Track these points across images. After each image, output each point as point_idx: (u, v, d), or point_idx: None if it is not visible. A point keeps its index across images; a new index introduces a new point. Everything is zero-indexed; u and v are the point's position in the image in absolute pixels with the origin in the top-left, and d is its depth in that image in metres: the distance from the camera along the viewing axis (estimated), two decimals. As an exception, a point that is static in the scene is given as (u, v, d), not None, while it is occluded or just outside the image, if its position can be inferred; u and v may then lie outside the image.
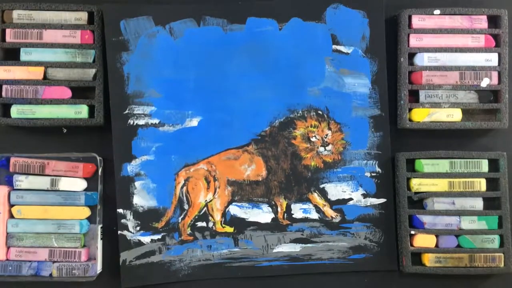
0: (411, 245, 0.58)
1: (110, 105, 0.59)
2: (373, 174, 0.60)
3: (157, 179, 0.59)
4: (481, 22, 0.59)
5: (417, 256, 0.59)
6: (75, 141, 0.60)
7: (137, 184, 0.59)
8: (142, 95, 0.59)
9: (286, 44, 0.60)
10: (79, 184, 0.58)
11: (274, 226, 0.60)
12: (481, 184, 0.59)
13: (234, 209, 0.60)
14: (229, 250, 0.59)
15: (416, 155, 0.59)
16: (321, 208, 0.60)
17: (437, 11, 0.59)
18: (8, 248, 0.58)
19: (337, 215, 0.60)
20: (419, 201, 0.59)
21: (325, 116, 0.60)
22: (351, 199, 0.60)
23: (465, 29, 0.59)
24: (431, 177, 0.59)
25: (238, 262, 0.59)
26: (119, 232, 0.59)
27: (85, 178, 0.59)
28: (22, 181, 0.58)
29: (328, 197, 0.60)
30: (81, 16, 0.59)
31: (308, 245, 0.59)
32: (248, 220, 0.60)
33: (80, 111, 0.58)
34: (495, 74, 0.59)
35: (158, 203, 0.59)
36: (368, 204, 0.60)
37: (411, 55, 0.60)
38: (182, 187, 0.59)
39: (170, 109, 0.59)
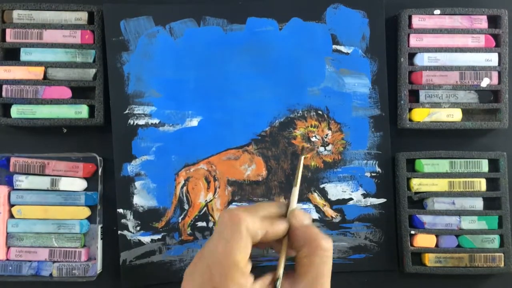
0: (411, 245, 0.58)
1: (110, 105, 0.59)
2: (373, 174, 0.60)
3: (157, 179, 0.59)
4: (481, 22, 0.59)
5: (417, 256, 0.59)
6: (75, 141, 0.60)
7: (137, 184, 0.59)
8: (142, 95, 0.59)
9: (286, 44, 0.59)
10: (79, 184, 0.58)
11: (274, 226, 0.59)
12: (481, 184, 0.59)
13: (234, 209, 0.59)
14: (229, 250, 0.59)
15: (416, 155, 0.59)
16: (321, 208, 0.59)
17: (437, 11, 0.59)
18: (8, 248, 0.58)
19: (337, 215, 0.59)
20: (419, 201, 0.59)
21: (325, 116, 0.60)
22: (351, 199, 0.60)
23: (465, 29, 0.59)
24: (431, 177, 0.59)
25: (238, 262, 0.59)
26: (119, 232, 0.59)
27: (85, 178, 0.59)
28: (22, 181, 0.58)
29: (328, 197, 0.60)
30: (81, 16, 0.59)
31: (308, 245, 0.59)
32: (248, 220, 0.59)
33: (80, 111, 0.58)
34: (495, 74, 0.59)
35: (158, 203, 0.59)
36: (368, 204, 0.60)
37: (411, 55, 0.59)
38: (182, 187, 0.59)
39: (170, 109, 0.59)
